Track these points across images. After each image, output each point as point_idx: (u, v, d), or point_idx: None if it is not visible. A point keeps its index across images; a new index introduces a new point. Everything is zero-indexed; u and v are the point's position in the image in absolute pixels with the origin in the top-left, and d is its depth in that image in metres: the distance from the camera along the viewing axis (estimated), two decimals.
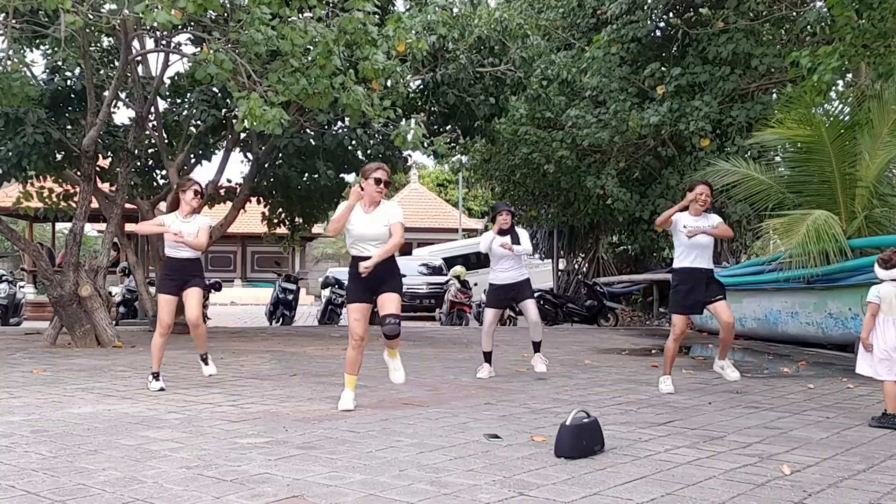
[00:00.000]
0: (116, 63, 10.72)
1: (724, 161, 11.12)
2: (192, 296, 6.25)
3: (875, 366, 4.92)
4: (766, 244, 10.41)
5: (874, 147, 9.47)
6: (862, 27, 7.96)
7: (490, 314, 7.21)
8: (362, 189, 5.28)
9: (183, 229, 6.12)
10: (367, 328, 5.34)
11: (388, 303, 5.27)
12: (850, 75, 12.89)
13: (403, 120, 10.30)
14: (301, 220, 14.48)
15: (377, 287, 5.29)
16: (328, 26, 8.43)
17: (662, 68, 13.64)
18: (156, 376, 6.11)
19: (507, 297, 7.22)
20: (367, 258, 5.20)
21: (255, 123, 7.84)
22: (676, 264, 6.29)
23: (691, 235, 6.12)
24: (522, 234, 7.14)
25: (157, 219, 6.35)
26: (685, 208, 6.31)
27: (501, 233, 7.06)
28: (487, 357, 7.21)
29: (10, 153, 10.29)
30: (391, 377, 5.66)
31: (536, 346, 7.14)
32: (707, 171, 10.98)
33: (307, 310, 23.35)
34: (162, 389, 6.00)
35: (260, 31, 7.81)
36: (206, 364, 6.57)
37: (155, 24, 7.11)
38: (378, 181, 5.24)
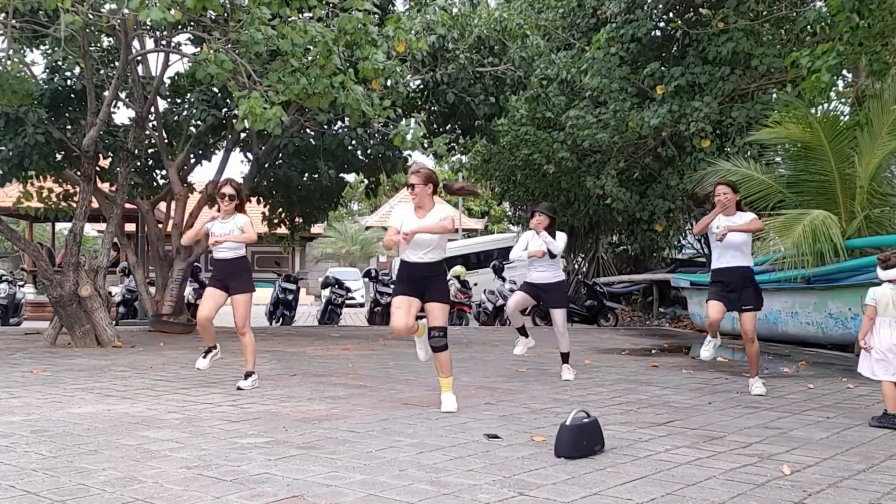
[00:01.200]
0: (116, 63, 10.73)
1: (724, 161, 11.13)
2: (238, 303, 6.17)
3: (872, 366, 4.95)
4: (766, 244, 10.41)
5: (873, 147, 9.48)
6: (860, 27, 7.98)
7: (515, 294, 7.23)
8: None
9: (222, 230, 6.20)
10: (408, 319, 5.29)
11: (435, 313, 5.29)
12: (850, 76, 12.90)
13: (403, 120, 10.31)
14: (301, 220, 14.48)
15: (422, 289, 5.30)
16: (328, 26, 8.43)
17: (662, 68, 13.63)
18: (209, 350, 6.36)
19: (538, 295, 7.18)
20: (412, 264, 5.28)
21: (254, 122, 7.84)
22: (712, 265, 6.31)
23: (720, 239, 6.08)
24: (559, 235, 7.07)
25: (202, 226, 6.34)
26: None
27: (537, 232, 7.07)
28: (522, 330, 7.26)
29: (11, 153, 10.29)
30: (419, 353, 5.72)
31: (564, 357, 7.12)
32: (707, 171, 10.99)
33: (307, 310, 23.36)
34: (218, 356, 6.37)
35: (260, 30, 7.81)
36: (245, 379, 6.22)
37: (150, 21, 7.08)
38: (407, 186, 5.32)
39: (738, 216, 6.22)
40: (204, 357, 6.38)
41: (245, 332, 6.21)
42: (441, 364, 5.37)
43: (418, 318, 5.42)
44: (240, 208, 6.38)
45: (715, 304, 6.16)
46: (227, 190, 6.33)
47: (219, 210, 6.41)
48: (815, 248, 8.71)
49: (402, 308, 5.30)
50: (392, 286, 5.50)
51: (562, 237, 7.06)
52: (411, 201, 5.36)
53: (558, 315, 7.03)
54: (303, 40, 8.08)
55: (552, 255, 6.93)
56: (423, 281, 5.31)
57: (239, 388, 6.11)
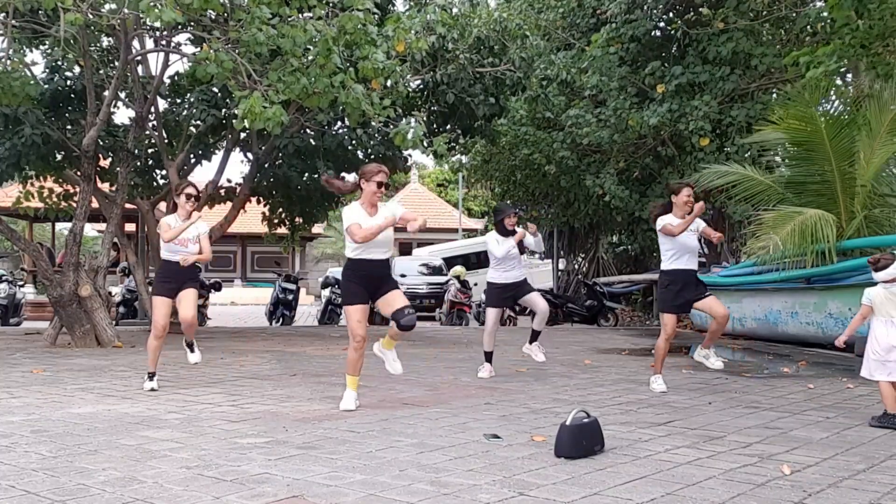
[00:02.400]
0: (116, 63, 10.72)
1: (723, 161, 11.13)
2: (187, 296, 6.10)
3: (869, 366, 4.95)
4: (765, 245, 10.45)
5: (872, 146, 9.47)
6: (860, 27, 7.97)
7: (493, 314, 7.26)
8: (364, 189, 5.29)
9: (184, 236, 6.06)
10: (367, 328, 5.38)
11: (398, 298, 5.33)
12: (849, 76, 12.89)
13: (403, 120, 10.31)
14: (301, 220, 14.48)
15: (377, 288, 5.32)
16: (328, 24, 8.42)
17: (662, 68, 13.63)
18: (150, 376, 6.09)
19: (509, 296, 7.26)
20: (375, 262, 5.27)
21: (254, 122, 7.84)
22: (667, 266, 6.34)
23: (682, 229, 6.17)
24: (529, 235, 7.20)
25: (165, 222, 6.13)
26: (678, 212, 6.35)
27: (505, 233, 7.12)
28: (488, 357, 7.25)
29: (9, 153, 10.29)
30: (390, 368, 5.70)
31: (535, 336, 7.23)
32: (706, 171, 10.99)
33: (307, 310, 23.35)
34: (153, 390, 5.98)
35: (261, 30, 7.81)
36: (192, 352, 6.46)
37: (158, 22, 7.11)
38: (379, 185, 5.25)
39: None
40: (151, 380, 6.12)
41: (194, 324, 6.15)
42: (402, 336, 5.56)
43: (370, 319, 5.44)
44: (197, 210, 6.33)
45: (672, 318, 6.30)
46: (192, 190, 6.19)
47: (174, 209, 6.31)
48: (802, 248, 8.73)
49: (363, 319, 5.33)
50: (347, 289, 5.42)
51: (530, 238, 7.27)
52: (368, 198, 5.27)
53: (539, 297, 7.22)
54: (303, 38, 8.08)
55: (521, 251, 7.17)
56: (381, 279, 5.34)
57: (196, 364, 6.46)
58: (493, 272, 7.21)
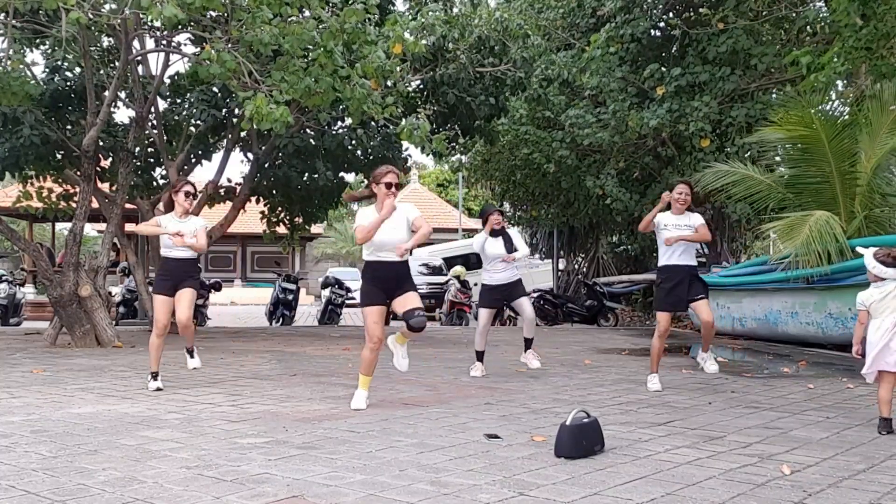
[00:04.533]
0: (116, 63, 10.72)
1: (723, 161, 11.13)
2: (184, 296, 6.15)
3: (869, 364, 4.85)
4: (766, 245, 10.42)
5: (872, 146, 9.47)
6: (863, 29, 7.96)
7: (484, 314, 7.30)
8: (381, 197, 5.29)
9: (181, 230, 6.08)
10: (384, 330, 5.38)
11: (411, 299, 5.34)
12: (850, 76, 12.89)
13: (405, 118, 10.31)
14: (301, 220, 14.48)
15: (394, 289, 5.33)
16: (330, 20, 8.42)
17: (662, 69, 13.63)
18: (154, 376, 6.11)
19: (500, 298, 7.30)
20: (387, 263, 5.27)
21: (261, 122, 7.86)
22: (661, 262, 6.42)
23: (670, 243, 6.25)
24: (515, 234, 7.18)
25: (155, 219, 6.36)
26: (667, 207, 6.39)
27: (494, 233, 7.11)
28: (480, 356, 7.29)
29: (8, 153, 10.29)
30: (397, 363, 5.66)
31: (528, 343, 7.27)
32: (706, 171, 10.99)
33: (307, 310, 23.35)
34: (159, 389, 6.00)
35: (264, 29, 7.81)
36: (192, 357, 6.68)
37: (159, 21, 7.11)
38: (388, 186, 5.25)
39: (686, 216, 6.34)
40: (155, 379, 6.14)
41: (188, 325, 6.27)
42: (412, 336, 5.53)
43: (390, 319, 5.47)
44: (193, 210, 6.59)
45: (665, 315, 6.37)
46: (190, 188, 6.31)
47: (173, 208, 6.35)
48: (822, 247, 8.72)
49: (379, 321, 5.35)
50: (363, 290, 5.48)
51: (518, 237, 7.26)
52: (382, 201, 5.28)
53: (527, 301, 7.23)
54: (305, 38, 8.07)
55: (510, 251, 7.14)
56: (397, 280, 5.34)
57: (195, 368, 6.55)
58: (484, 273, 7.24)
